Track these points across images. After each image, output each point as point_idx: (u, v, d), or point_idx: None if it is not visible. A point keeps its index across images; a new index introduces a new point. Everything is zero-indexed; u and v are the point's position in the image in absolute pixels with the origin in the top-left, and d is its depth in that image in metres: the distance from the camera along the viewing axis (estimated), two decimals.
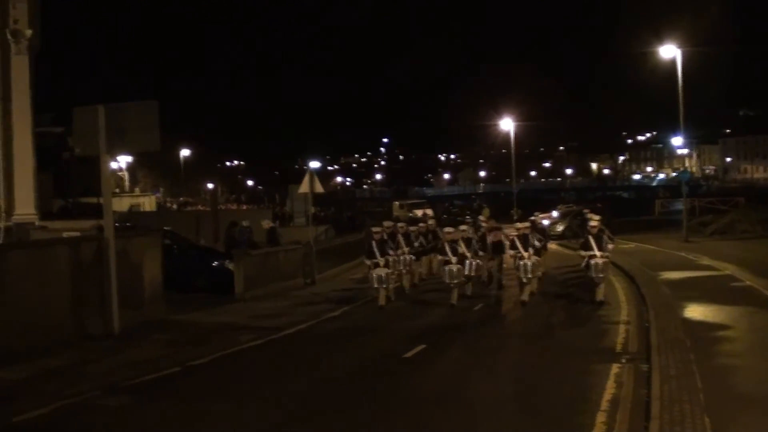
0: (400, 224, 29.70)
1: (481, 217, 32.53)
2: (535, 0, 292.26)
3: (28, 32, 29.80)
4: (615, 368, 14.51)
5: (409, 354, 16.56)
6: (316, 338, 19.03)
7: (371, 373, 15.32)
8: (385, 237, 25.83)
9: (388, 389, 13.91)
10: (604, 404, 12.14)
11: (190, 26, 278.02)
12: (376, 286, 23.79)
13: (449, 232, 25.16)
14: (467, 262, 24.28)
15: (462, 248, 24.24)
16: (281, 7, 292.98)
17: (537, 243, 25.13)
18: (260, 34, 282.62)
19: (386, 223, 28.01)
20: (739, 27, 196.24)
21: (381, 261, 24.45)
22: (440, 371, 15.30)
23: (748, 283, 24.19)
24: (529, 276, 23.47)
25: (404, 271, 27.02)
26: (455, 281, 23.52)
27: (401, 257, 26.50)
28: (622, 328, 18.79)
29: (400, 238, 27.21)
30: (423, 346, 17.27)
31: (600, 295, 22.55)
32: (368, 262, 25.14)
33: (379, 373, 15.27)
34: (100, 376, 14.89)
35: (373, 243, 24.88)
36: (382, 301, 23.75)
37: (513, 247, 24.59)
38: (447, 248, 24.19)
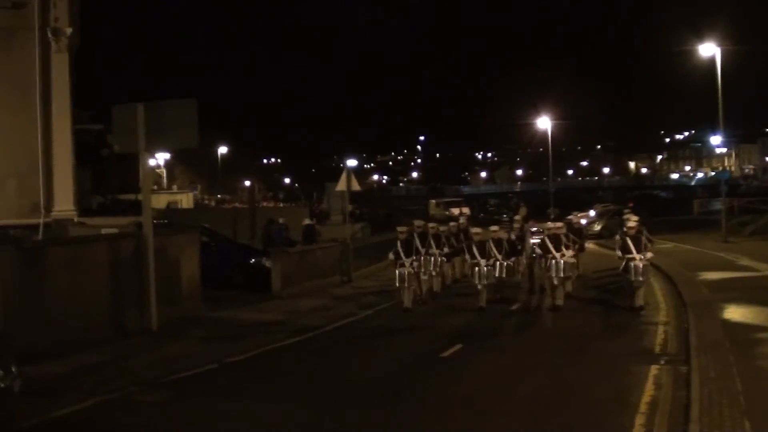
0: (431, 224, 28.23)
1: (517, 217, 31.00)
2: None
3: (68, 30, 29.91)
4: (654, 370, 14.40)
5: (446, 354, 16.56)
6: (353, 336, 19.07)
7: (407, 372, 15.31)
8: (414, 237, 24.53)
9: (424, 388, 13.91)
10: (643, 406, 12.05)
11: (230, 25, 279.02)
12: (398, 285, 23.15)
13: (477, 233, 24.65)
14: (497, 264, 23.54)
15: (492, 250, 23.55)
16: (318, 7, 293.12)
17: (569, 244, 23.60)
18: (299, 33, 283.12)
19: (416, 222, 26.52)
20: None
21: (406, 261, 23.22)
22: (476, 372, 15.24)
23: None
24: (561, 276, 22.44)
25: (434, 273, 25.92)
26: (484, 282, 22.82)
27: (431, 258, 25.32)
28: (660, 329, 18.66)
29: (430, 239, 25.85)
30: (459, 346, 17.26)
31: (639, 300, 21.55)
32: (392, 258, 23.93)
33: (415, 372, 15.26)
34: (138, 372, 14.99)
35: (398, 243, 23.62)
36: (406, 302, 23.06)
37: (543, 247, 23.42)
38: (475, 250, 23.55)
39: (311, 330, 19.72)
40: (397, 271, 23.17)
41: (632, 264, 21.48)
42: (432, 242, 25.54)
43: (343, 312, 22.67)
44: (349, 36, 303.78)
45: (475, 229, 25.33)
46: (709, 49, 44.25)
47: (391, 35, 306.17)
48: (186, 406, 13.06)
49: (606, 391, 13.23)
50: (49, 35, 29.38)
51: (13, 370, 12.07)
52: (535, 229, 28.54)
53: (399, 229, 24.80)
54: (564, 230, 24.12)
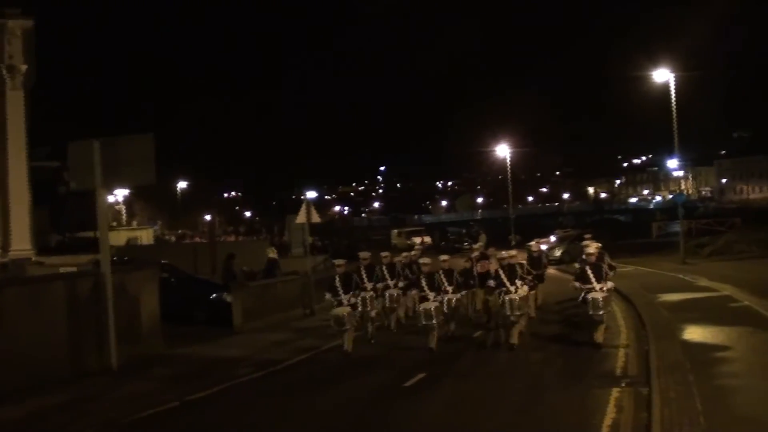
0: (383, 254, 26.04)
1: (476, 245, 30.06)
2: (530, 26, 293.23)
3: (23, 67, 29.88)
4: (615, 392, 14.48)
5: (408, 383, 16.57)
6: (316, 370, 18.91)
7: (373, 404, 15.27)
8: (360, 269, 22.83)
9: (391, 421, 13.89)
10: (605, 429, 12.14)
11: (186, 60, 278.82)
12: (337, 328, 20.63)
13: (426, 264, 22.71)
14: (445, 298, 21.39)
15: (443, 282, 21.62)
16: (277, 37, 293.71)
17: (525, 277, 21.49)
18: (255, 62, 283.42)
19: (363, 254, 24.28)
20: (731, 50, 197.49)
21: (345, 298, 21.08)
22: (440, 404, 15.23)
23: (746, 303, 24.17)
24: (517, 313, 20.09)
25: (389, 308, 24.34)
26: (432, 322, 20.37)
27: (386, 292, 23.88)
28: (621, 351, 18.75)
29: (384, 271, 24.41)
30: (423, 374, 17.25)
31: (599, 336, 19.55)
32: (329, 297, 21.51)
33: (380, 403, 15.23)
34: (99, 412, 14.84)
35: (336, 278, 21.58)
36: (347, 345, 20.53)
37: (496, 279, 21.33)
38: (423, 282, 21.73)
39: (274, 364, 19.59)
40: (332, 312, 20.75)
41: (590, 296, 19.43)
42: (386, 274, 24.39)
43: (306, 345, 22.53)
44: (308, 67, 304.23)
45: (423, 260, 23.53)
46: (663, 75, 44.95)
47: (352, 66, 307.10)
48: None
49: (568, 414, 13.29)
50: (4, 72, 29.33)
51: None
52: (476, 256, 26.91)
53: (337, 262, 22.98)
54: (518, 259, 22.64)
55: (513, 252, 23.56)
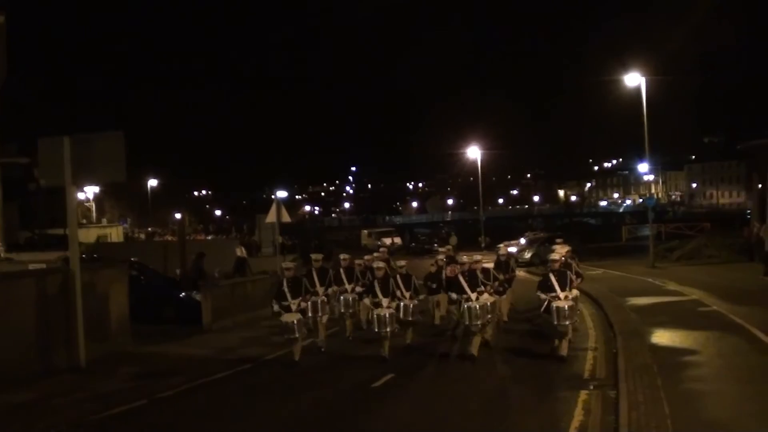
0: (343, 257, 24.69)
1: (441, 248, 28.46)
2: (501, 28, 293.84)
3: None
4: (583, 395, 14.54)
5: (377, 383, 16.59)
6: (284, 369, 18.83)
7: (342, 403, 15.27)
8: (312, 273, 21.75)
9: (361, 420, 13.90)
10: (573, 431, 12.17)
11: (156, 56, 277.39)
12: (286, 336, 19.17)
13: (380, 268, 20.97)
14: (401, 304, 20.14)
15: (399, 287, 20.34)
16: (249, 37, 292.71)
17: (486, 283, 20.25)
18: (226, 62, 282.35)
19: (315, 256, 23.42)
20: (703, 55, 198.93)
21: (293, 304, 19.49)
22: (405, 410, 15.23)
23: (714, 307, 24.31)
24: (477, 323, 18.91)
25: (346, 314, 23.17)
26: (386, 330, 19.20)
27: (341, 297, 22.88)
28: (589, 354, 18.83)
29: (341, 275, 23.21)
30: (391, 375, 17.24)
31: (564, 348, 18.34)
32: (275, 307, 19.74)
33: (350, 403, 15.23)
34: (66, 410, 14.76)
35: (284, 282, 19.92)
36: (296, 354, 19.31)
37: (457, 286, 19.77)
38: (377, 287, 20.24)
39: (243, 363, 19.55)
40: (282, 319, 19.26)
41: (554, 305, 18.23)
42: (343, 278, 23.15)
43: (276, 344, 22.45)
44: (278, 67, 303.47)
45: (377, 263, 21.58)
46: (634, 79, 45.21)
47: (321, 66, 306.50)
48: None
49: (536, 416, 13.34)
50: None
51: None
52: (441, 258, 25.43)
53: (284, 265, 21.18)
54: (481, 264, 21.25)
55: (477, 256, 21.99)
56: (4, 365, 16.67)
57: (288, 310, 19.37)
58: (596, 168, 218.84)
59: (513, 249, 49.69)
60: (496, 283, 22.35)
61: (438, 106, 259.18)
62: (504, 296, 24.26)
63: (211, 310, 25.93)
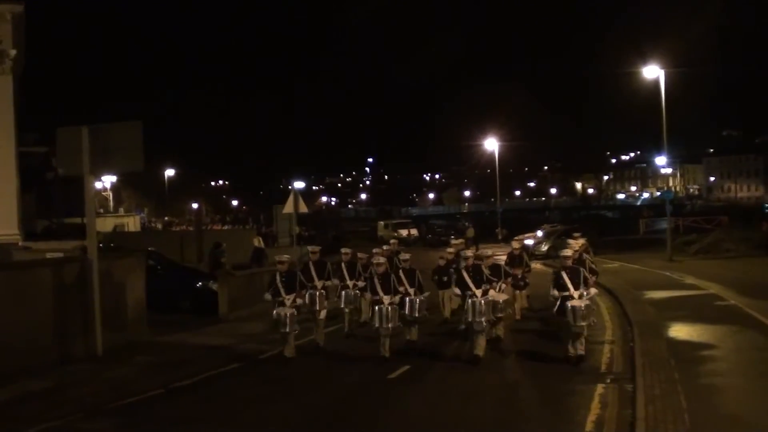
0: (344, 250, 23.57)
1: (455, 241, 26.83)
2: (520, 20, 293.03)
3: (12, 52, 29.73)
4: (600, 389, 14.50)
5: (393, 375, 16.59)
6: (300, 360, 18.83)
7: (358, 395, 15.27)
8: (309, 266, 20.97)
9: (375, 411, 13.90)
10: (589, 425, 12.16)
11: (175, 46, 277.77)
12: (282, 330, 18.54)
13: (380, 263, 19.57)
14: (407, 300, 19.23)
15: (403, 282, 19.38)
16: (265, 30, 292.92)
17: (492, 279, 18.81)
18: (244, 53, 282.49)
19: (310, 248, 22.62)
20: (721, 48, 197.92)
21: (287, 299, 18.76)
22: (422, 399, 15.20)
23: (732, 302, 24.23)
24: (481, 320, 17.50)
25: (346, 310, 22.29)
26: (388, 326, 18.20)
27: (343, 292, 22.14)
28: (606, 348, 18.75)
29: (342, 268, 22.42)
30: (407, 367, 17.23)
31: (581, 347, 17.17)
32: (269, 297, 19.11)
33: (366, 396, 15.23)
34: (82, 398, 14.82)
35: (278, 275, 19.12)
36: (287, 351, 18.69)
37: (461, 283, 18.43)
38: (377, 283, 19.09)
39: (258, 353, 19.57)
40: (275, 312, 18.66)
41: (569, 305, 16.94)
42: (345, 272, 22.39)
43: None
44: (296, 58, 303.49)
45: (377, 258, 20.13)
46: (653, 72, 44.97)
47: (340, 57, 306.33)
48: None
49: (553, 410, 13.30)
50: None
51: None
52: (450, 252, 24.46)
53: (278, 258, 19.88)
54: (490, 259, 20.64)
55: (488, 251, 21.55)
56: (22, 354, 16.73)
57: (283, 305, 18.70)
58: (614, 160, 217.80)
59: (530, 242, 49.69)
60: (509, 279, 21.93)
61: (456, 97, 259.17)
62: (523, 291, 24.15)
63: (228, 300, 25.99)
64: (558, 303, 17.42)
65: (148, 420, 13.62)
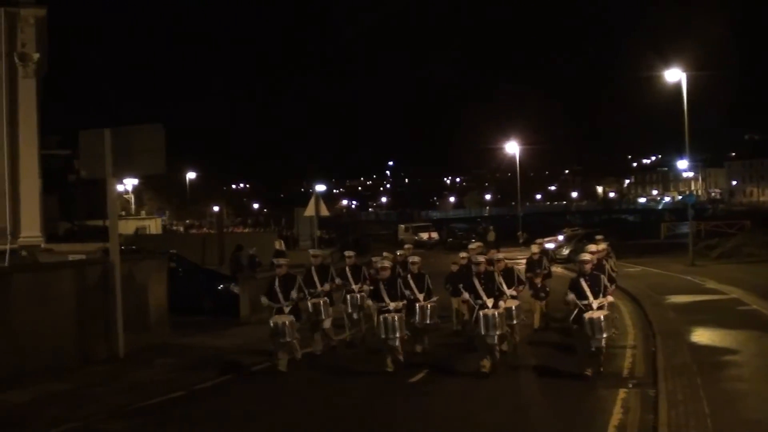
0: (348, 254, 22.14)
1: (471, 246, 23.97)
2: (541, 24, 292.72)
3: (36, 56, 29.94)
4: (622, 393, 14.42)
5: (413, 379, 16.55)
6: (321, 362, 18.81)
7: (378, 399, 15.25)
8: (312, 271, 20.07)
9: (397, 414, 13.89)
10: (611, 430, 12.11)
11: (196, 50, 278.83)
12: (281, 340, 17.28)
13: (385, 267, 18.17)
14: (418, 307, 18.30)
15: (411, 287, 18.41)
16: (285, 31, 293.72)
17: (501, 289, 17.38)
18: (266, 56, 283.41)
19: (313, 252, 21.90)
20: (743, 51, 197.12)
21: (285, 305, 17.64)
22: (435, 408, 15.16)
23: (754, 306, 24.07)
24: (494, 334, 16.26)
25: (354, 316, 20.94)
26: (395, 336, 16.84)
27: (348, 296, 20.74)
28: (628, 352, 18.65)
29: (346, 273, 21.11)
30: (426, 371, 17.17)
31: (600, 365, 15.97)
32: (265, 301, 18.09)
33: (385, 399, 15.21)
34: (104, 399, 14.88)
35: (276, 280, 18.00)
36: (281, 365, 17.29)
37: (471, 289, 17.16)
38: (382, 289, 17.65)
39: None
40: (271, 322, 17.48)
41: (587, 317, 15.70)
42: (350, 277, 21.00)
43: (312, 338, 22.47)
44: (318, 62, 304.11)
45: (383, 263, 18.66)
46: (675, 75, 44.75)
47: (362, 60, 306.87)
48: None
49: (574, 415, 13.25)
50: (16, 60, 29.39)
51: None
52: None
53: (277, 261, 18.87)
54: (502, 264, 19.61)
55: (500, 255, 20.33)
56: (45, 355, 16.84)
57: (281, 312, 17.59)
58: (635, 164, 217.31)
59: (551, 245, 49.51)
60: (522, 287, 20.45)
61: (477, 101, 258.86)
62: (545, 301, 22.87)
63: (249, 302, 26.03)
64: (575, 313, 16.21)
65: (169, 421, 13.67)
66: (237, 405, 14.91)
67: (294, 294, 17.71)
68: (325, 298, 19.57)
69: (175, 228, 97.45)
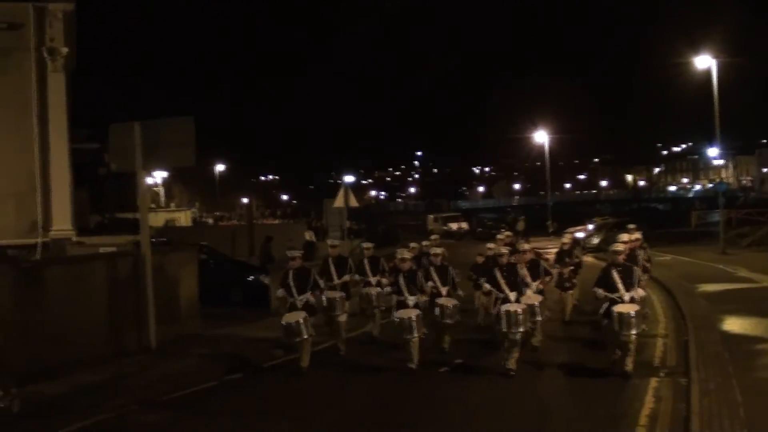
0: (366, 245, 21.68)
1: (499, 236, 23.52)
2: (569, 12, 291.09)
3: (64, 50, 30.04)
4: (653, 383, 14.40)
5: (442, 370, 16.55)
6: (353, 351, 18.78)
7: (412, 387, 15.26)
8: (329, 263, 19.69)
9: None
10: (643, 419, 12.08)
11: (227, 44, 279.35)
12: (297, 339, 16.46)
13: (405, 259, 17.43)
14: (437, 304, 17.45)
15: (434, 279, 17.77)
16: (310, 22, 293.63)
17: (526, 281, 17.03)
18: (293, 46, 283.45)
19: (331, 242, 21.39)
20: None
21: (299, 300, 16.81)
22: (476, 387, 15.14)
23: None
24: (517, 331, 15.50)
25: (368, 312, 20.20)
26: (414, 335, 16.12)
27: (364, 290, 20.03)
28: (659, 341, 18.58)
29: (363, 265, 20.40)
30: (460, 360, 17.12)
31: (629, 363, 14.97)
32: (280, 294, 17.39)
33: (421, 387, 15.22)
34: (137, 390, 14.99)
35: (290, 273, 17.14)
36: (302, 360, 16.58)
37: (493, 282, 16.66)
38: (402, 282, 17.00)
39: (312, 345, 19.57)
40: (283, 319, 16.64)
41: (616, 311, 14.91)
42: (368, 269, 20.33)
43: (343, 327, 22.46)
44: (346, 52, 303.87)
45: (403, 254, 17.83)
46: (705, 61, 44.45)
47: (389, 51, 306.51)
48: (185, 424, 13.09)
49: (606, 403, 13.23)
50: (45, 55, 29.51)
51: (12, 390, 12.07)
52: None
53: (290, 253, 17.77)
54: (528, 256, 18.67)
55: (526, 246, 19.42)
56: (77, 347, 16.96)
57: (294, 308, 16.80)
58: (665, 152, 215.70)
59: (581, 234, 49.32)
60: (548, 278, 19.62)
61: (505, 90, 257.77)
62: (571, 292, 22.15)
63: None
64: (604, 306, 15.43)
65: (201, 412, 13.75)
66: (269, 396, 14.97)
67: (309, 297, 16.92)
68: (342, 293, 18.91)
69: (204, 220, 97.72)
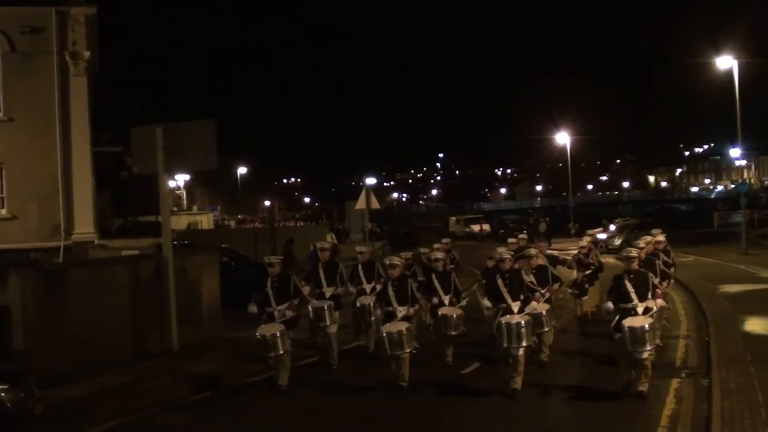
0: (359, 249, 20.13)
1: (511, 240, 22.82)
2: (592, 13, 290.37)
3: (87, 54, 30.29)
4: (675, 383, 14.38)
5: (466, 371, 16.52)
6: (375, 352, 18.69)
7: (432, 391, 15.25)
8: (319, 269, 18.15)
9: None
10: (664, 420, 12.06)
11: (248, 46, 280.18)
12: (272, 354, 15.15)
13: (396, 265, 15.74)
14: (440, 315, 16.29)
15: (436, 288, 16.44)
16: (337, 28, 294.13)
17: (536, 288, 15.82)
18: (315, 51, 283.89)
19: (320, 244, 19.66)
20: None
21: (276, 310, 15.72)
22: (491, 391, 15.05)
23: None
24: (519, 346, 14.03)
25: (373, 318, 18.08)
26: (404, 351, 14.63)
27: (358, 300, 18.46)
28: (681, 342, 18.55)
29: (360, 271, 18.84)
30: (477, 364, 17.02)
31: (645, 383, 13.45)
32: (254, 309, 16.12)
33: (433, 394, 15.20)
34: (159, 393, 15.04)
35: (269, 281, 16.08)
36: (280, 378, 15.24)
37: (493, 292, 15.21)
38: (390, 291, 15.46)
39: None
40: (258, 332, 15.37)
41: (627, 325, 13.33)
42: (362, 275, 18.75)
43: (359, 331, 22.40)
44: (368, 55, 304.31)
45: (392, 260, 16.19)
46: (726, 62, 44.27)
47: (412, 53, 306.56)
48: (207, 427, 13.15)
49: (627, 404, 13.19)
50: (68, 59, 29.78)
51: (35, 392, 12.15)
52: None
53: (267, 260, 16.85)
54: (536, 261, 17.61)
55: (533, 250, 18.27)
56: (100, 349, 17.05)
57: (271, 318, 15.65)
58: (687, 153, 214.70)
59: (602, 236, 49.13)
60: (557, 286, 18.08)
61: (527, 91, 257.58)
62: (585, 297, 20.29)
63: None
64: (616, 319, 13.90)
65: (223, 414, 13.81)
66: (291, 398, 14.93)
67: (287, 311, 15.77)
68: (330, 302, 17.32)
69: (226, 223, 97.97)
